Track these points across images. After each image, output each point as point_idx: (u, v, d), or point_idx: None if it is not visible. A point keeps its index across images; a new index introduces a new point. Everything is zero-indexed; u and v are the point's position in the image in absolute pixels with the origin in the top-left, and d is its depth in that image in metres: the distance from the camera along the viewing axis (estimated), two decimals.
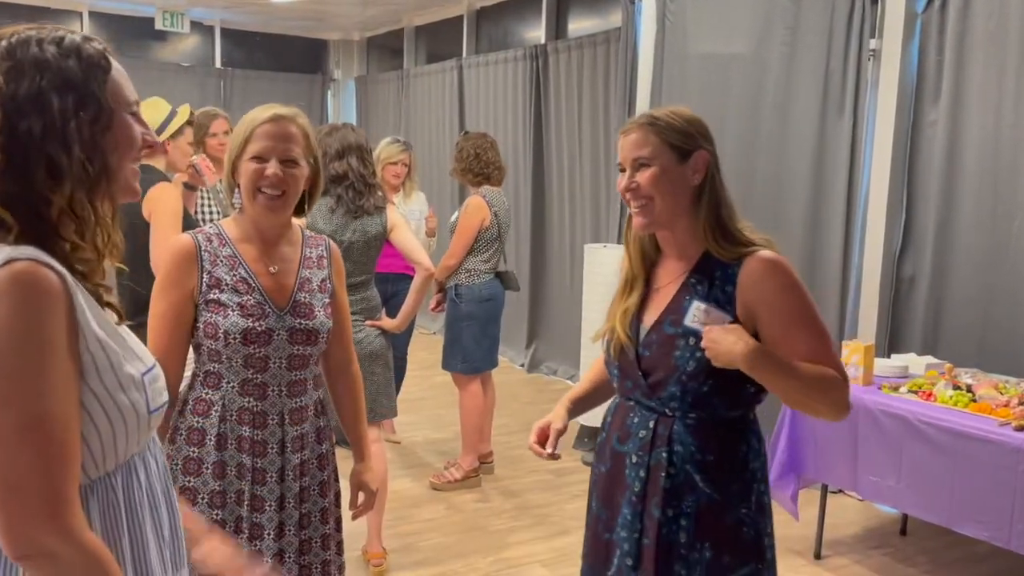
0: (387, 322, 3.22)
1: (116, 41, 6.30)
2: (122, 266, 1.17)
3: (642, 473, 1.60)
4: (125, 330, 1.11)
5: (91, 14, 7.82)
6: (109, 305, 1.09)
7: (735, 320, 1.55)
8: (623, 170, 1.63)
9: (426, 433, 4.78)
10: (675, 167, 1.58)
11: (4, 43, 1.02)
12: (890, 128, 3.81)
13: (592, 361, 1.91)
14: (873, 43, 3.86)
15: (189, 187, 3.19)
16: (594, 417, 4.44)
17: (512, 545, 3.44)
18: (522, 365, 6.36)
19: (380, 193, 3.15)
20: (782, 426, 3.35)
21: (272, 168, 1.70)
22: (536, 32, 6.60)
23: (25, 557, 0.95)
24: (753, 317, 1.54)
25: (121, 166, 1.08)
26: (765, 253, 1.57)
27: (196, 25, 8.21)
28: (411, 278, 4.52)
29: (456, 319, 3.98)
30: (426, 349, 6.28)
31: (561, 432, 1.75)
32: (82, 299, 1.01)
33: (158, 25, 7.77)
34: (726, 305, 1.55)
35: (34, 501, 0.94)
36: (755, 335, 1.53)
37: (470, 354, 3.95)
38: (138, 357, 1.09)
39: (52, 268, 0.98)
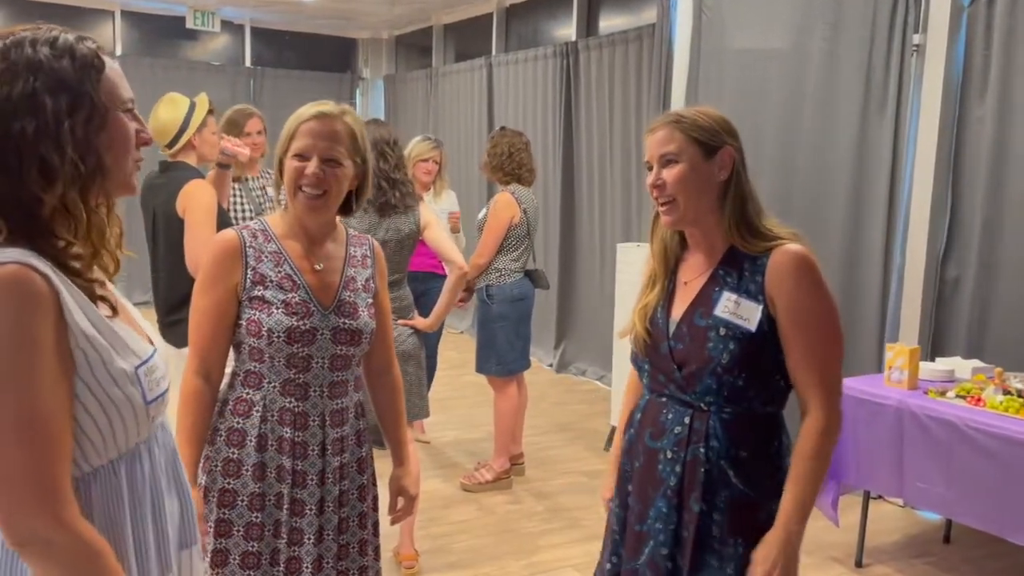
0: (420, 321, 3.18)
1: (147, 40, 6.30)
2: (131, 253, 1.20)
3: (678, 468, 1.62)
4: (120, 324, 1.13)
5: (123, 13, 7.89)
6: (102, 299, 1.11)
7: (765, 309, 1.57)
8: (650, 168, 1.66)
9: (456, 433, 4.74)
10: (701, 163, 1.61)
11: (0, 45, 1.04)
12: (934, 125, 3.71)
13: (623, 404, 1.93)
14: (917, 38, 3.76)
15: (223, 167, 3.15)
16: None
17: (545, 548, 3.39)
18: (550, 365, 6.31)
19: (409, 190, 3.07)
20: None
21: (312, 167, 1.67)
22: (567, 29, 6.55)
23: (22, 544, 1.01)
24: (773, 305, 1.57)
25: (117, 164, 1.10)
26: (793, 246, 1.59)
27: (226, 24, 8.25)
28: (441, 276, 4.50)
29: (488, 320, 3.93)
30: (455, 348, 6.26)
31: None
32: (69, 298, 1.03)
33: (189, 24, 7.82)
34: (757, 295, 1.58)
35: (27, 493, 0.99)
36: (773, 319, 1.57)
37: (504, 355, 3.90)
38: (132, 351, 1.11)
39: (36, 270, 1.00)
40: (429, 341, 4.51)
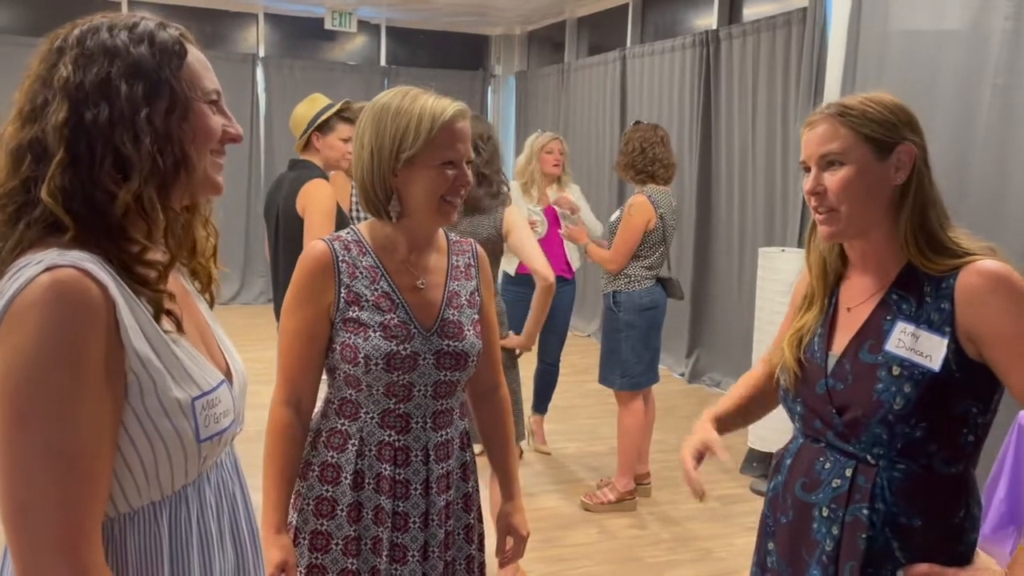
0: (512, 340, 2.89)
1: (288, 41, 6.52)
2: (224, 268, 1.11)
3: (835, 530, 1.35)
4: (186, 345, 0.99)
5: (266, 16, 8.15)
6: (169, 313, 0.97)
7: (954, 343, 1.28)
8: (807, 169, 1.38)
9: (578, 445, 4.52)
10: (873, 165, 1.33)
11: (76, 31, 0.97)
12: None
13: (744, 376, 1.66)
14: None
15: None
16: (764, 440, 4.03)
17: None
18: (682, 375, 5.97)
19: (496, 190, 2.77)
20: (1001, 471, 2.82)
21: (464, 175, 1.51)
22: (707, 18, 6.17)
23: None
24: (975, 341, 1.29)
25: (199, 158, 0.99)
26: (987, 263, 1.29)
27: (363, 24, 8.36)
28: (567, 280, 4.30)
29: (614, 329, 3.68)
30: (579, 353, 6.04)
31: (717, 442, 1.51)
32: (127, 313, 0.92)
33: (327, 25, 7.97)
34: (942, 327, 1.29)
35: (48, 531, 0.87)
36: (978, 359, 1.29)
37: (630, 368, 3.64)
38: (191, 379, 0.98)
39: (93, 277, 0.89)
40: (550, 348, 4.33)
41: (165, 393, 0.94)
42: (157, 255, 0.98)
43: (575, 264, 4.39)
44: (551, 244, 4.20)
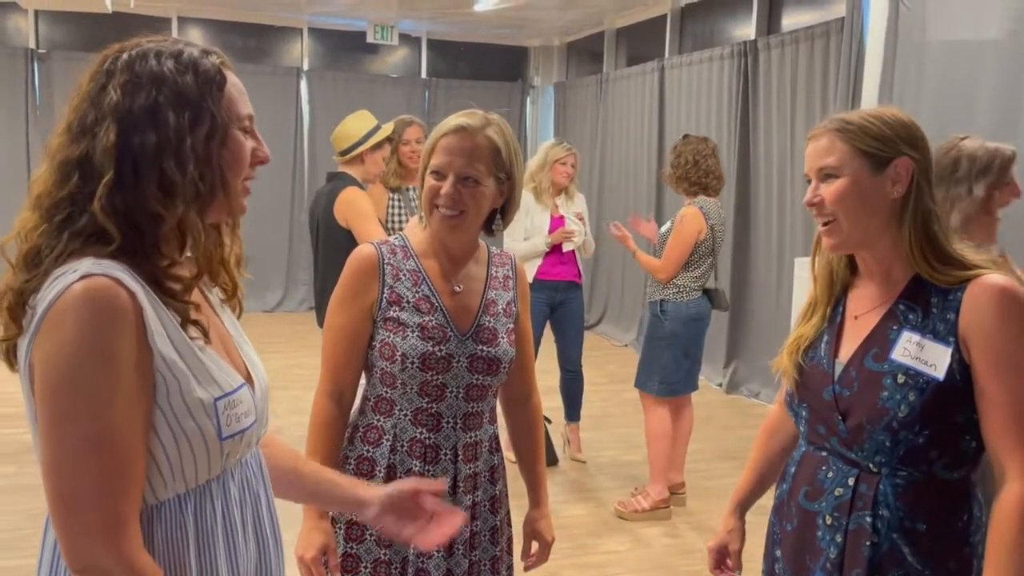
0: None
1: (331, 55, 6.70)
2: (249, 275, 1.17)
3: (838, 538, 1.39)
4: (209, 352, 1.06)
5: (310, 30, 8.34)
6: (195, 323, 1.04)
7: (958, 353, 1.31)
8: (809, 180, 1.43)
9: (614, 454, 4.54)
10: (867, 178, 1.37)
11: (125, 56, 1.02)
12: None
13: (755, 444, 1.70)
14: None
15: None
16: None
17: None
18: (719, 385, 5.95)
19: None
20: None
21: (447, 187, 1.56)
22: (746, 28, 6.17)
23: (81, 571, 0.97)
24: (968, 345, 1.33)
25: (234, 182, 1.06)
26: (995, 277, 1.33)
27: (404, 37, 8.51)
28: (577, 286, 4.34)
29: (657, 337, 3.72)
30: (616, 362, 6.06)
31: (740, 551, 1.65)
32: (153, 318, 0.99)
33: (370, 39, 8.13)
34: (947, 337, 1.32)
35: (90, 518, 0.94)
36: (967, 366, 1.32)
37: (669, 375, 3.68)
38: (214, 380, 1.04)
39: (123, 284, 0.96)
40: (571, 355, 4.36)
41: (189, 394, 1.00)
42: (183, 270, 1.05)
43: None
44: (563, 251, 4.25)
